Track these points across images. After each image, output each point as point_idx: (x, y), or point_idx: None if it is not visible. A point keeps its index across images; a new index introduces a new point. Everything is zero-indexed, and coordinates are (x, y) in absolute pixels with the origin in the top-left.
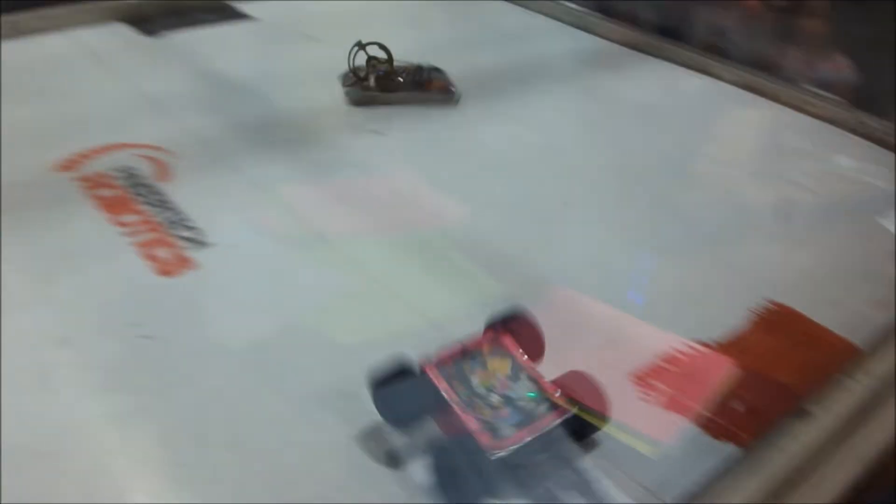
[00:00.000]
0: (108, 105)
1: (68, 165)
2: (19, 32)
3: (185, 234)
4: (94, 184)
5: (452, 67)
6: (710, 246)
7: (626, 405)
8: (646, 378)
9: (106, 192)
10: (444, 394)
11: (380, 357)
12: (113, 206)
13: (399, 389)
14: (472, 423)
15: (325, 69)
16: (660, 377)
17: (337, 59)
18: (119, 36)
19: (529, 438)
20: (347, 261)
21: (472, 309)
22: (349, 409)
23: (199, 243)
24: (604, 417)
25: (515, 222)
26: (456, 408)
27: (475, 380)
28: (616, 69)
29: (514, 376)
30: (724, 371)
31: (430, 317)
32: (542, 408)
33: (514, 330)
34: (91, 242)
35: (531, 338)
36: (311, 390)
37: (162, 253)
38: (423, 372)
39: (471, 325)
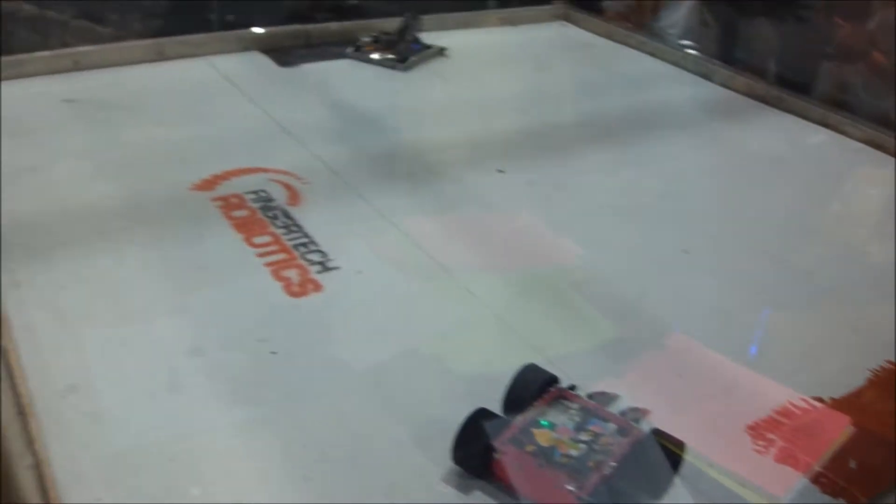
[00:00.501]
0: (243, 130)
1: (205, 185)
2: (164, 57)
3: (313, 257)
4: (229, 204)
5: (575, 110)
6: (831, 303)
7: (740, 455)
8: (760, 430)
9: (240, 213)
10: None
11: (495, 388)
12: (246, 227)
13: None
14: (552, 476)
15: (449, 106)
16: (774, 430)
17: (460, 96)
18: (256, 65)
19: (609, 471)
20: (466, 293)
21: (586, 348)
22: None
23: (326, 267)
24: (679, 444)
25: (634, 266)
26: (533, 465)
27: (541, 440)
28: (738, 119)
29: (581, 424)
30: (839, 428)
31: (545, 353)
32: (615, 437)
33: None
34: (225, 259)
35: None
36: (427, 414)
37: (291, 274)
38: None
39: (584, 364)
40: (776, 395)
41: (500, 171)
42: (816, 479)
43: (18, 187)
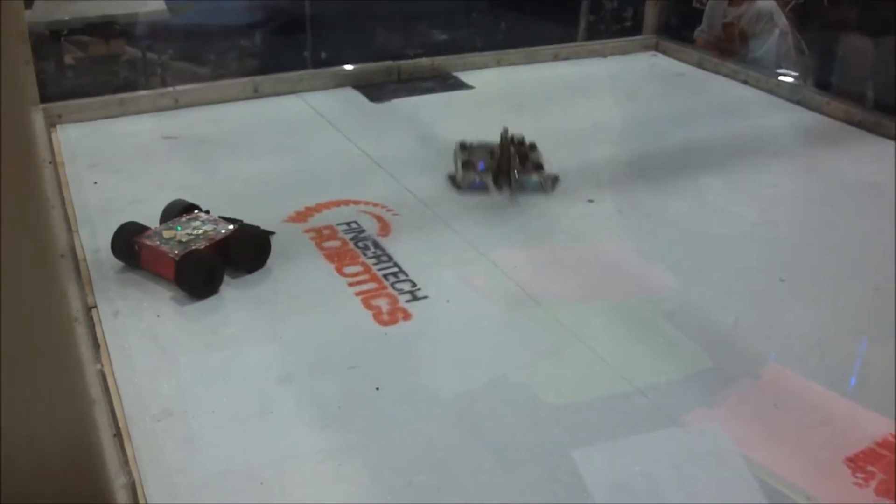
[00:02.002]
0: (336, 163)
1: (299, 217)
2: (259, 94)
3: (403, 286)
4: (321, 235)
5: (667, 139)
6: None
7: (839, 488)
8: (860, 462)
9: (331, 244)
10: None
11: (582, 416)
12: (337, 257)
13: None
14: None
15: (539, 137)
16: (875, 462)
17: (551, 127)
18: (347, 100)
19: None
20: (555, 323)
21: (678, 377)
22: (553, 466)
23: (416, 296)
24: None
25: (727, 295)
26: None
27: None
28: (835, 145)
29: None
30: None
31: (635, 383)
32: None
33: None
34: (317, 288)
35: None
36: (514, 443)
37: (381, 303)
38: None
39: (676, 393)
40: (877, 426)
41: (590, 201)
42: None
43: (120, 219)
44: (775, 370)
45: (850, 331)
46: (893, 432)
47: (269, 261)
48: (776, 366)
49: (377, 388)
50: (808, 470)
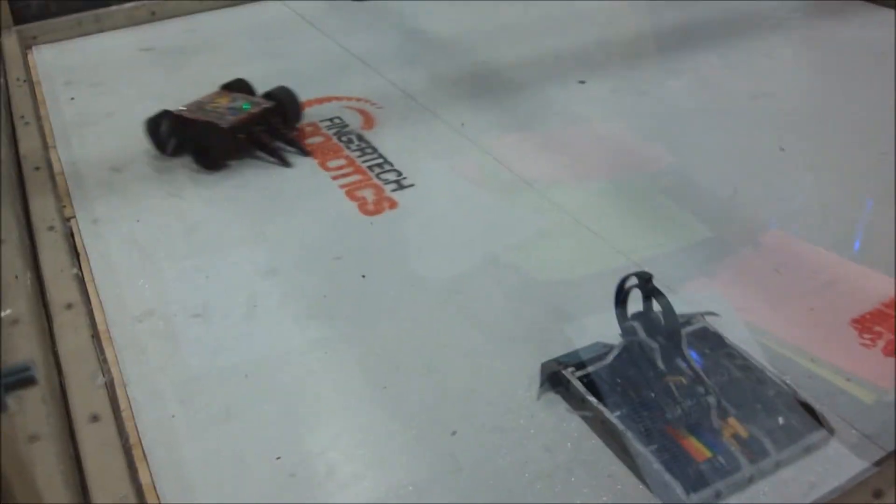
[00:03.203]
0: (318, 63)
1: None
2: (239, 1)
3: (389, 176)
4: (303, 133)
5: (657, 18)
6: None
7: (845, 350)
8: (866, 323)
9: (314, 140)
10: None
11: (577, 292)
12: (321, 152)
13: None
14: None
15: (525, 23)
16: (882, 322)
17: (533, 10)
18: (328, 1)
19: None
20: (549, 204)
21: (676, 249)
22: (545, 341)
23: (402, 185)
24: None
25: (726, 167)
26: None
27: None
28: (835, 16)
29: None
30: None
31: (632, 257)
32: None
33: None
34: (302, 184)
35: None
36: (506, 322)
37: (366, 194)
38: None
39: (674, 264)
40: (883, 287)
41: (581, 83)
42: None
43: (96, 131)
44: (776, 237)
45: (853, 195)
46: None
47: (250, 161)
48: (777, 232)
49: (363, 276)
50: (813, 333)
